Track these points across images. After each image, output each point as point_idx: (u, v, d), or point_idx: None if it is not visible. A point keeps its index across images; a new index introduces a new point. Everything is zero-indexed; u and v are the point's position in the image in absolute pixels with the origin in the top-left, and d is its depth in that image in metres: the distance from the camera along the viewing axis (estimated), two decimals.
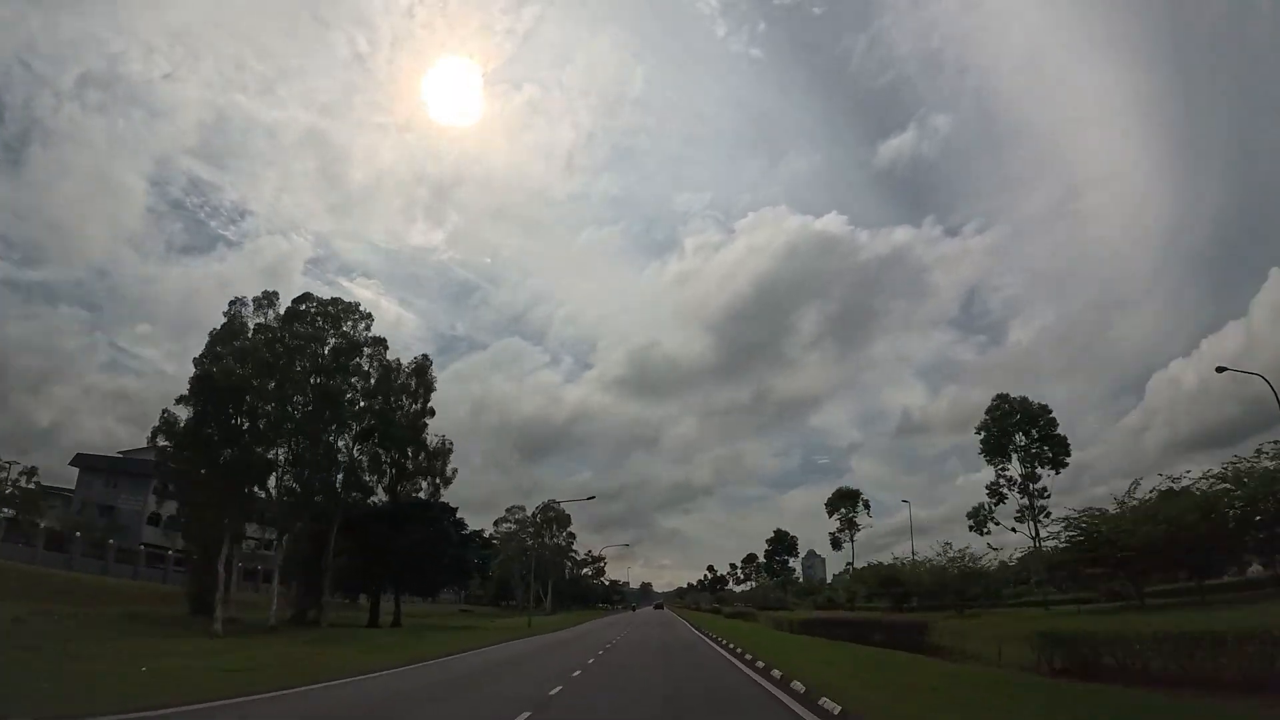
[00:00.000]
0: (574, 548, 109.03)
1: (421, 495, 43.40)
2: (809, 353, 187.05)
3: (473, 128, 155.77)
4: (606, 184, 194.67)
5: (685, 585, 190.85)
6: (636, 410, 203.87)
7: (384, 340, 39.69)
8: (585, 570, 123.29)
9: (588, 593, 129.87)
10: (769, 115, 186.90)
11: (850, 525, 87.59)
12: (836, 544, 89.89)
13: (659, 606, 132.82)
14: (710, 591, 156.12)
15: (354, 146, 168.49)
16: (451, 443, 44.20)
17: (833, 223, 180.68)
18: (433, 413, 43.75)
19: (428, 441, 42.31)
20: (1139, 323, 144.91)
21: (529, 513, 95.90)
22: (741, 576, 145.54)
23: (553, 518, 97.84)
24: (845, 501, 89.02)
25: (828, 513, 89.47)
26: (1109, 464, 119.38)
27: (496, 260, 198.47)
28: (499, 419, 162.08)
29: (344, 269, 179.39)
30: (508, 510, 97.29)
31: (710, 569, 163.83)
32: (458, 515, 55.07)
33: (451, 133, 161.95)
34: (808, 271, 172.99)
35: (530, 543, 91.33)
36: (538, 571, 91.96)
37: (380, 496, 41.67)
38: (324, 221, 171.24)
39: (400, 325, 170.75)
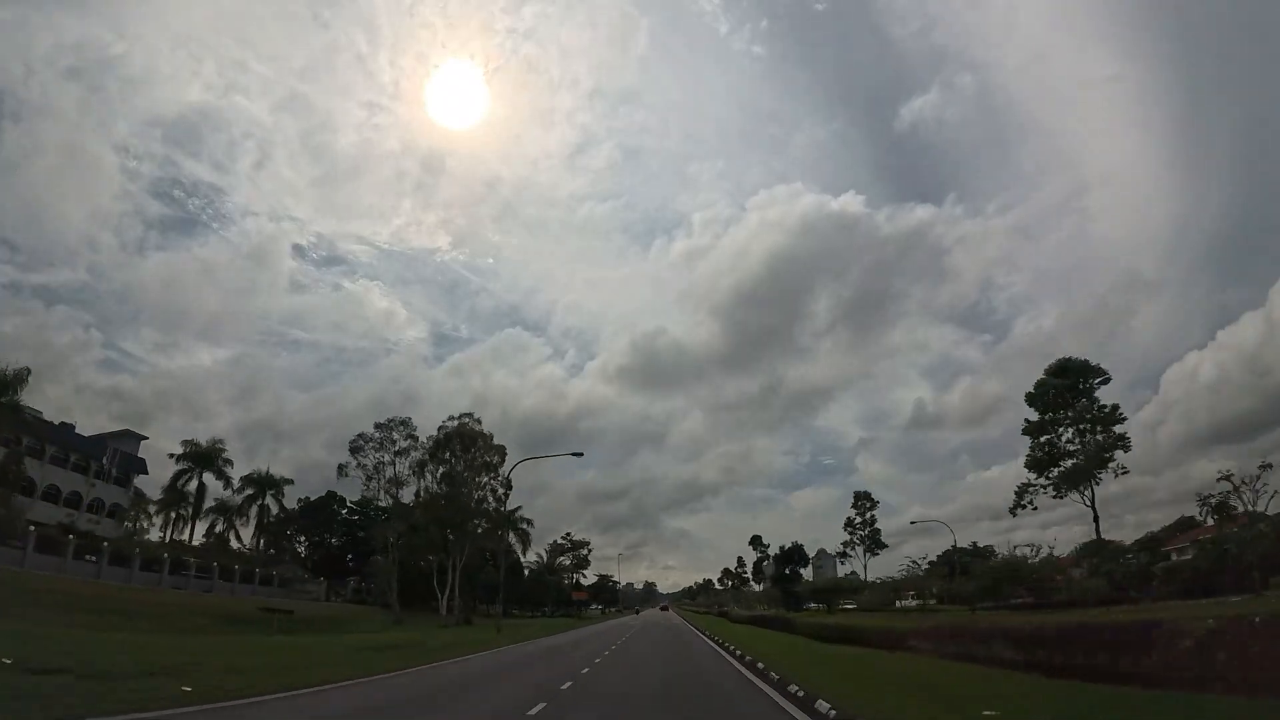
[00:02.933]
0: (525, 517, 73.72)
1: None
2: (822, 340, 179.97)
3: (472, 123, 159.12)
4: (609, 172, 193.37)
5: (692, 584, 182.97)
6: (642, 404, 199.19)
7: None
8: (562, 559, 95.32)
9: (546, 592, 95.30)
10: (778, 97, 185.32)
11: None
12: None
13: (664, 608, 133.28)
14: (779, 582, 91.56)
15: (348, 132, 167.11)
16: None
17: (850, 202, 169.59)
18: None
19: None
20: (1153, 316, 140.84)
21: (423, 435, 54.21)
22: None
23: (456, 432, 53.26)
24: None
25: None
26: (1126, 460, 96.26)
27: (499, 259, 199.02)
28: (500, 413, 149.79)
29: (336, 257, 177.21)
30: (379, 426, 53.24)
31: (757, 542, 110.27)
32: None
33: (450, 127, 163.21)
34: (822, 252, 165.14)
35: (421, 485, 53.09)
36: (444, 546, 52.37)
37: None
38: (316, 208, 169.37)
39: (393, 316, 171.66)
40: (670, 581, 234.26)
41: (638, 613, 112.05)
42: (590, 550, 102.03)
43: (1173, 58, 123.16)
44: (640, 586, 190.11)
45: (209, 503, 61.93)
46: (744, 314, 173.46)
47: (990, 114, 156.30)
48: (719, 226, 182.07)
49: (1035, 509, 52.73)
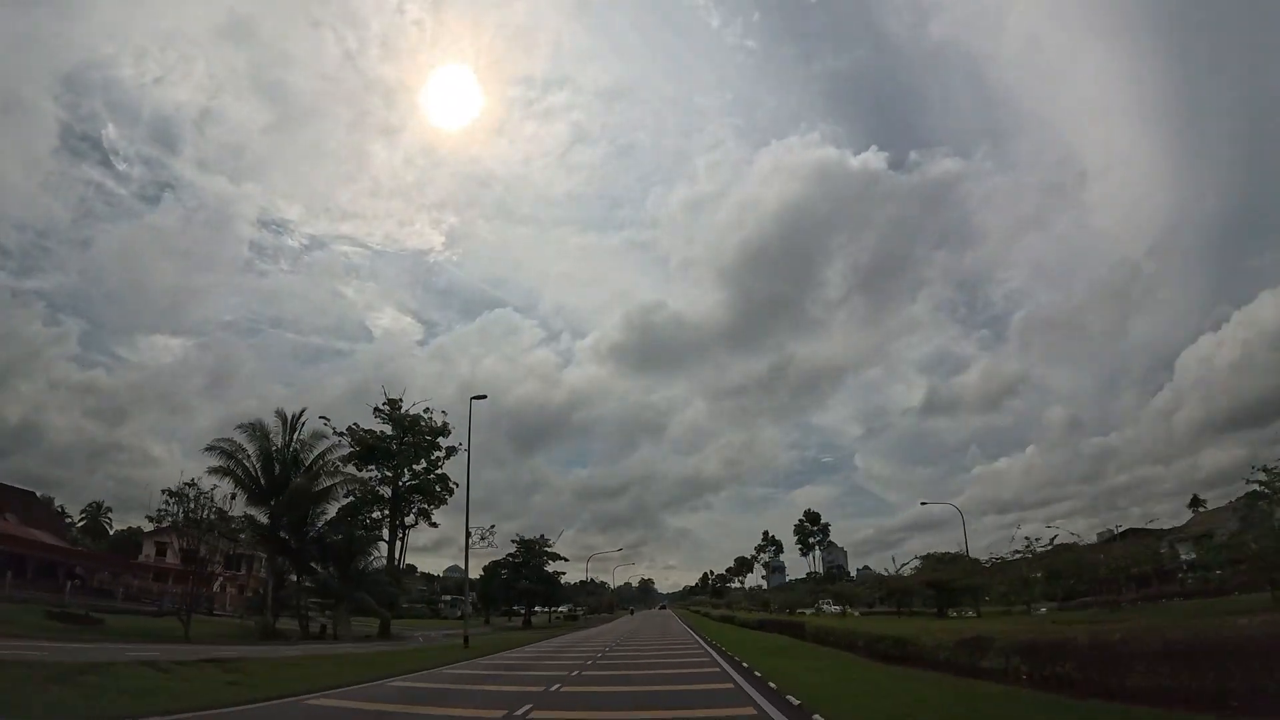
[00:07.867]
0: None
1: None
2: (835, 311, 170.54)
3: (463, 120, 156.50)
4: (603, 167, 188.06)
5: (696, 582, 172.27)
6: (641, 391, 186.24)
7: None
8: (406, 513, 48.36)
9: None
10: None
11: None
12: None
13: (663, 608, 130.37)
14: None
15: (339, 132, 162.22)
16: None
17: (872, 159, 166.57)
18: None
19: None
20: (1165, 298, 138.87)
21: None
22: None
23: None
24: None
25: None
26: (1139, 449, 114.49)
27: (492, 254, 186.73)
28: (490, 403, 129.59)
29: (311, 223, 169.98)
30: None
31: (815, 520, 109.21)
32: None
33: (442, 125, 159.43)
34: (835, 213, 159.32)
35: None
36: None
37: None
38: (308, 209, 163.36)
39: (370, 298, 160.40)
40: (670, 581, 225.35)
41: (632, 613, 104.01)
42: (450, 487, 50.40)
43: (1173, 43, 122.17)
44: (637, 584, 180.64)
45: None
46: (750, 281, 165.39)
47: (987, 105, 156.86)
48: (726, 173, 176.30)
49: None
